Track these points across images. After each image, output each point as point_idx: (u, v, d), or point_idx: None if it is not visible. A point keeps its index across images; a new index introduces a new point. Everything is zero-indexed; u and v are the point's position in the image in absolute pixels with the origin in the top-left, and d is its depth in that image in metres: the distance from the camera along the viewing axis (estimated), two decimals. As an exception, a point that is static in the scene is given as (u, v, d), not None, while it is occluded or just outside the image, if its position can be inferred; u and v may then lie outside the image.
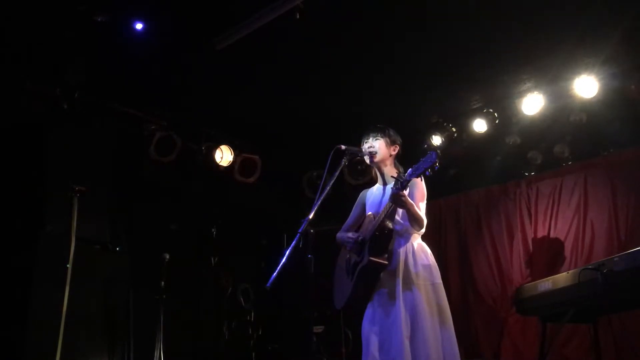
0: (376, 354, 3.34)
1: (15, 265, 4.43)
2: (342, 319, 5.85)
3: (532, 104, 5.65)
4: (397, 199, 3.26)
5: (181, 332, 5.89)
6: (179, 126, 6.04)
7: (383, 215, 3.37)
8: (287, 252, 3.07)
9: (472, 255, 6.25)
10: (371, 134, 3.64)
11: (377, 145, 3.60)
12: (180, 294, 5.71)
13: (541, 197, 5.94)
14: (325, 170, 3.37)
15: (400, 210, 3.46)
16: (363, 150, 3.63)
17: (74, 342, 4.29)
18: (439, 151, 3.16)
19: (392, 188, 3.32)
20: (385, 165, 3.66)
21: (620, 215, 5.36)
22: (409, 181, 3.22)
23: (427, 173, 3.08)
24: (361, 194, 3.86)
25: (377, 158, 3.61)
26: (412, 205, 3.33)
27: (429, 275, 3.43)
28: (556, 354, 5.14)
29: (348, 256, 3.62)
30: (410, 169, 3.21)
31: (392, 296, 3.35)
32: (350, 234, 3.62)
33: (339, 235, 3.76)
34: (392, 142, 3.65)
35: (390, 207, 3.36)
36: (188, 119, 6.16)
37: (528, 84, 5.62)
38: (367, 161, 3.64)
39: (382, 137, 3.63)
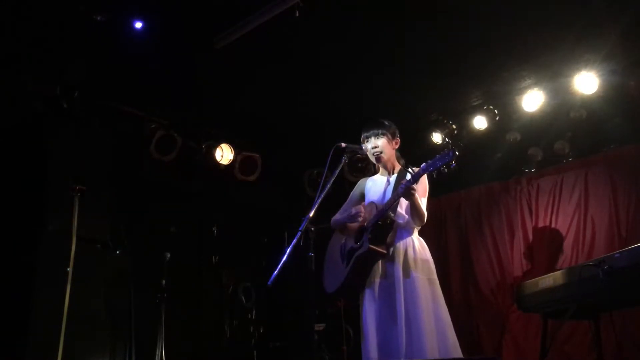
0: (376, 348, 3.37)
1: (16, 265, 4.44)
2: (343, 317, 5.84)
3: (532, 100, 5.65)
4: (408, 192, 3.29)
5: (183, 330, 5.89)
6: (179, 125, 6.05)
7: (388, 206, 3.39)
8: (288, 250, 3.08)
9: (473, 251, 6.24)
10: (372, 132, 3.66)
11: (381, 144, 3.63)
12: (181, 292, 5.72)
13: (542, 194, 5.92)
14: (326, 168, 3.39)
15: (404, 204, 3.49)
16: (365, 148, 3.65)
17: (76, 340, 4.29)
18: (455, 150, 3.13)
19: (404, 181, 3.34)
20: (390, 159, 3.69)
21: (621, 212, 5.34)
22: (422, 175, 3.26)
23: (442, 170, 3.13)
24: (360, 181, 3.89)
25: (384, 158, 3.64)
26: (417, 199, 3.37)
27: (427, 270, 3.49)
28: (557, 351, 5.13)
29: (343, 242, 3.65)
30: (424, 164, 3.24)
31: (392, 289, 3.39)
32: (353, 210, 3.63)
33: (335, 218, 3.78)
34: (393, 137, 3.70)
35: (395, 199, 3.37)
36: (188, 118, 6.16)
37: (528, 81, 5.61)
38: (374, 161, 3.68)
39: (383, 134, 3.64)
